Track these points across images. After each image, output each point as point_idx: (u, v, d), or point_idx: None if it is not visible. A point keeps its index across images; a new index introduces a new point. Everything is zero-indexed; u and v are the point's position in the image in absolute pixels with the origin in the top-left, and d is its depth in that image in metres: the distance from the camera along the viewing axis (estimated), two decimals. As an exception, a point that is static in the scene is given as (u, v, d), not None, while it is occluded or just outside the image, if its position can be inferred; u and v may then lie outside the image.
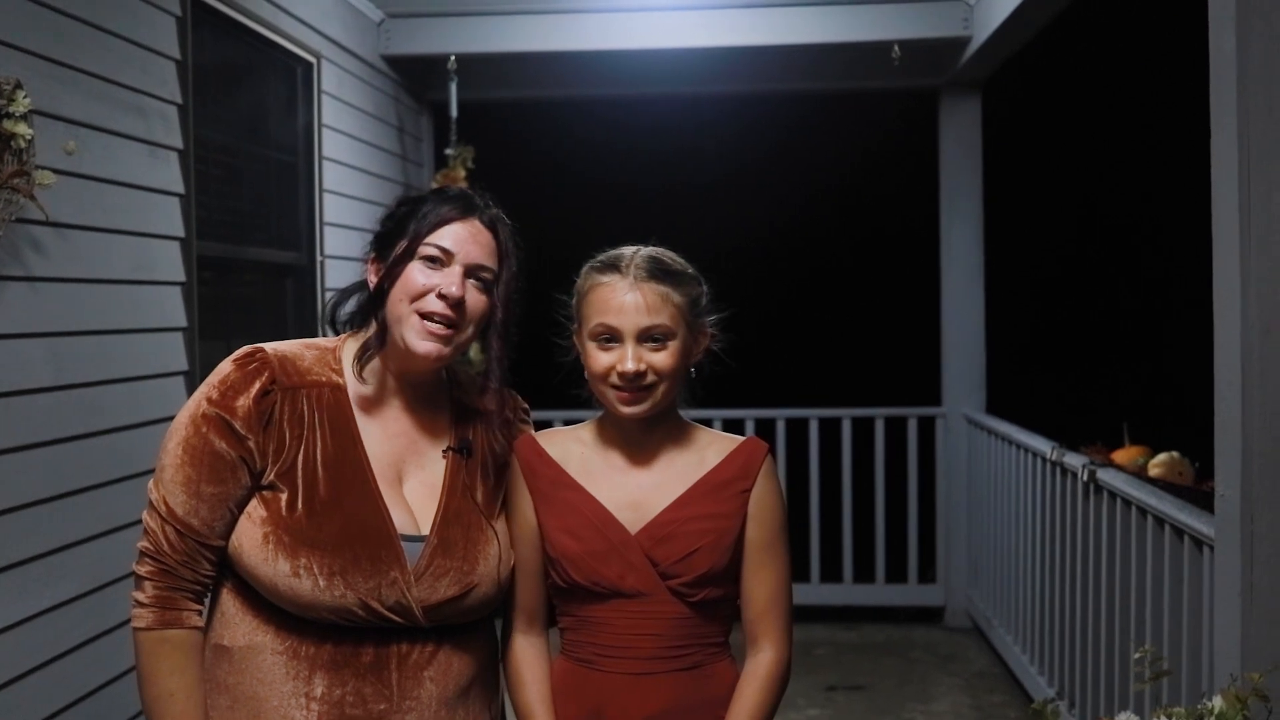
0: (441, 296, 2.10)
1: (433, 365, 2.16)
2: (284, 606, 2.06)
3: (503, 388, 2.23)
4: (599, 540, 2.19)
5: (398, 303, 2.12)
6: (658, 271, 2.21)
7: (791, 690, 2.31)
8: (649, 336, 2.18)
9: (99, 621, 3.40)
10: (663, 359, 2.18)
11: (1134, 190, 9.40)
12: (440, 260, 2.13)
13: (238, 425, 2.07)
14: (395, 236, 2.16)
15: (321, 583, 2.03)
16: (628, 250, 2.25)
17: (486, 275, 2.16)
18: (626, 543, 2.19)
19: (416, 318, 2.11)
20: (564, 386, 2.31)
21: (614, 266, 2.22)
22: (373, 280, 2.18)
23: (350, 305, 2.25)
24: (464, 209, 2.17)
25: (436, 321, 2.11)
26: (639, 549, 2.18)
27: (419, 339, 2.11)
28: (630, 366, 2.16)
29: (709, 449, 2.28)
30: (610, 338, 2.19)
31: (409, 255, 2.13)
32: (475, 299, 2.14)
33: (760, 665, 2.23)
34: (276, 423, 2.09)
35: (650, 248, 2.26)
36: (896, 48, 5.99)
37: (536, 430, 2.35)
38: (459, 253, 2.13)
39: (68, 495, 3.32)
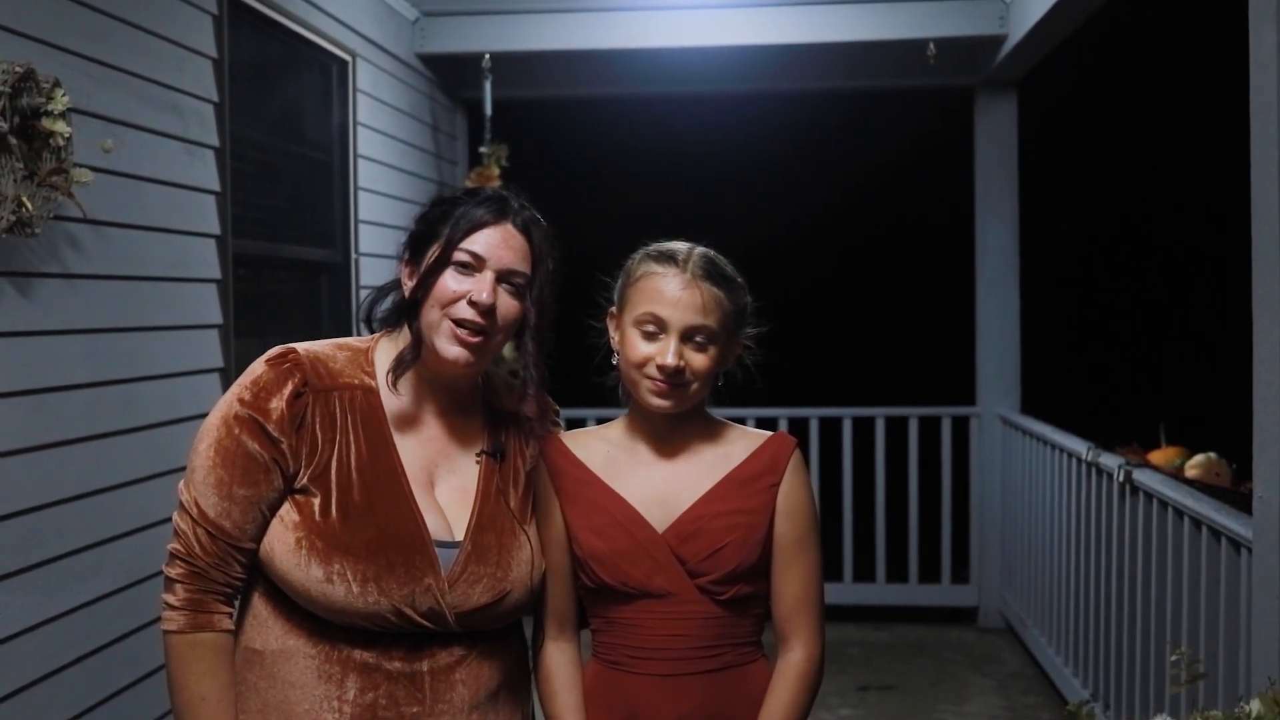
0: (473, 304, 2.09)
1: (463, 371, 2.15)
2: (316, 611, 2.06)
3: (541, 392, 2.22)
4: (625, 539, 2.18)
5: (430, 310, 2.11)
6: (714, 273, 2.20)
7: (823, 689, 2.29)
8: (693, 335, 2.17)
9: (134, 618, 3.42)
10: (701, 360, 2.17)
11: (1171, 189, 9.33)
12: (472, 266, 2.12)
13: (270, 427, 2.06)
14: (428, 240, 2.15)
15: (355, 589, 2.02)
16: (682, 246, 2.24)
17: (519, 280, 2.14)
18: (653, 541, 2.18)
19: (448, 323, 2.10)
20: (594, 374, 2.30)
21: (671, 258, 2.20)
22: (406, 283, 2.17)
23: (386, 304, 2.25)
24: (497, 213, 2.15)
25: (466, 328, 2.10)
26: (666, 547, 2.17)
27: (448, 344, 2.10)
28: (670, 361, 2.15)
29: (736, 444, 2.27)
30: (655, 328, 2.17)
31: (442, 264, 2.12)
32: (507, 304, 2.13)
33: (791, 664, 2.22)
34: (309, 425, 2.08)
35: (704, 248, 2.25)
36: (932, 46, 5.96)
37: (569, 430, 2.35)
38: (490, 258, 2.12)
39: (104, 491, 3.34)
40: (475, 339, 2.11)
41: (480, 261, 2.12)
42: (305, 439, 2.08)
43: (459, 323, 2.10)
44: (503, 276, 2.13)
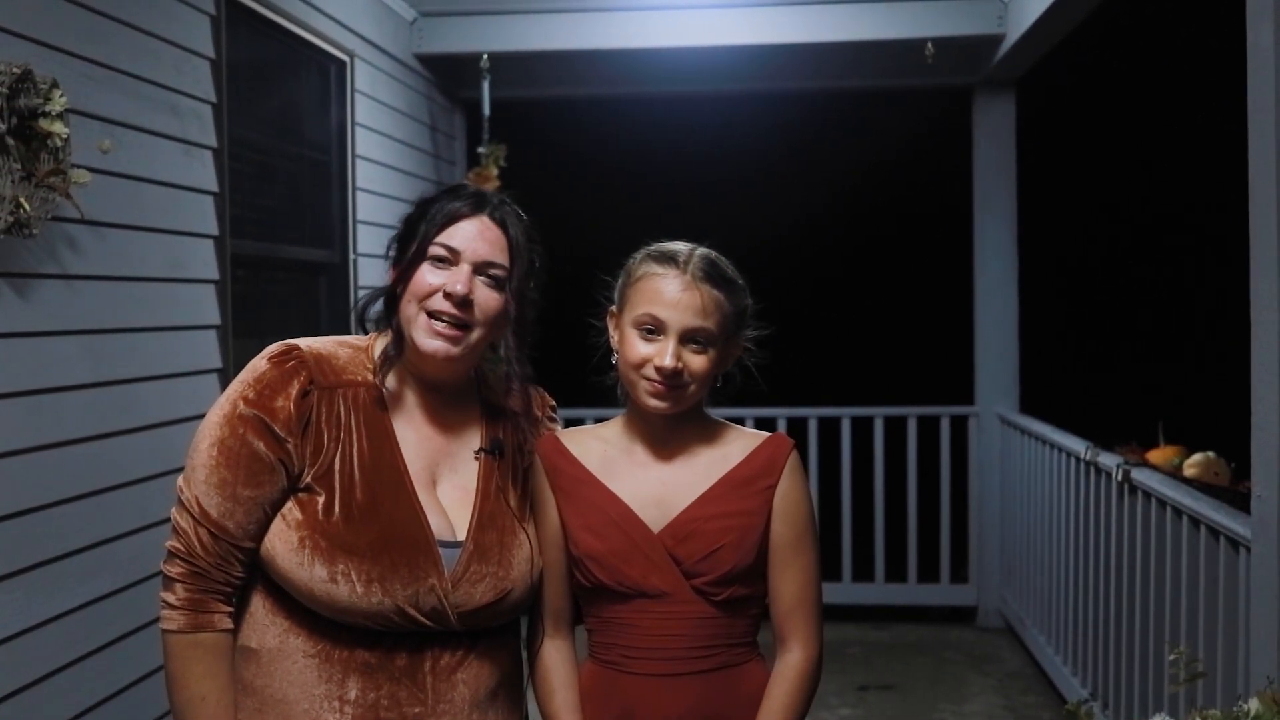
0: (447, 295, 2.09)
1: (444, 366, 2.14)
2: (318, 610, 2.05)
3: (526, 385, 2.21)
4: (621, 539, 2.18)
5: (407, 304, 2.11)
6: (714, 275, 2.19)
7: (823, 690, 2.30)
8: (692, 338, 2.16)
9: (134, 617, 3.42)
10: (700, 363, 2.17)
11: (1169, 188, 9.33)
12: (448, 259, 2.11)
13: (277, 427, 2.04)
14: (408, 239, 2.15)
15: (359, 589, 2.02)
16: (683, 246, 2.23)
17: (497, 272, 2.14)
18: (649, 541, 2.17)
19: (424, 317, 2.09)
20: (593, 373, 2.30)
21: (672, 259, 2.19)
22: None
23: (379, 305, 2.24)
24: (473, 206, 2.15)
25: (444, 321, 2.09)
26: (661, 548, 2.17)
27: (426, 338, 2.10)
28: (669, 363, 2.14)
29: (733, 445, 2.26)
30: (654, 329, 2.17)
31: (419, 257, 2.11)
32: (487, 296, 2.12)
33: (789, 665, 2.22)
34: (314, 424, 2.07)
35: (705, 249, 2.24)
36: (930, 45, 5.96)
37: (566, 428, 2.35)
38: (466, 250, 2.11)
39: (103, 491, 3.34)
40: (453, 332, 2.10)
41: (456, 254, 2.11)
42: (310, 438, 2.07)
43: (435, 315, 2.09)
44: (480, 269, 2.12)
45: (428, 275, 2.11)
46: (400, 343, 2.13)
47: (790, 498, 2.22)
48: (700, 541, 2.17)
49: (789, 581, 2.22)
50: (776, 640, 2.24)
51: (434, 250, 2.11)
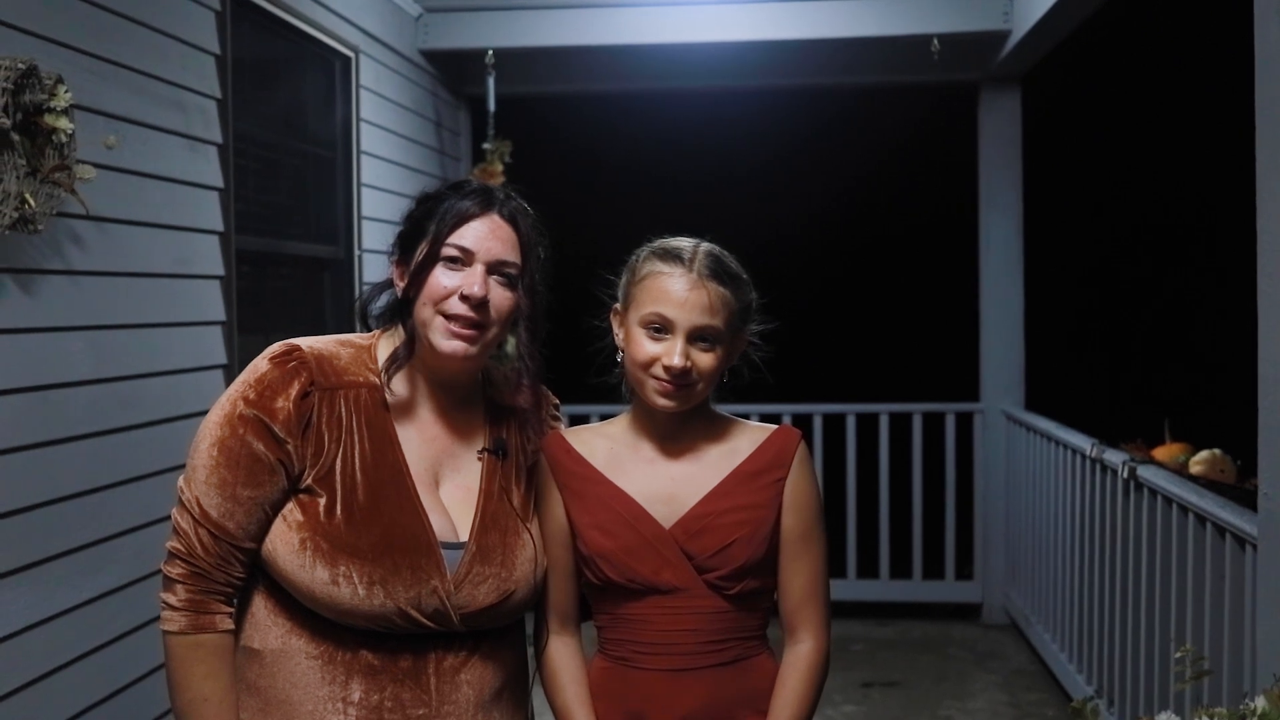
0: (464, 298, 2.07)
1: (461, 365, 2.13)
2: (320, 612, 2.04)
3: (537, 383, 2.21)
4: (632, 536, 2.17)
5: (423, 308, 2.09)
6: (720, 272, 2.18)
7: (827, 686, 2.29)
8: (700, 336, 2.15)
9: (138, 614, 3.42)
10: (708, 360, 2.16)
11: (1175, 184, 9.32)
12: (461, 260, 2.09)
13: (277, 428, 2.03)
14: (416, 237, 2.13)
15: (361, 591, 2.01)
16: (687, 243, 2.22)
17: (510, 270, 2.12)
18: (661, 538, 2.17)
19: (441, 319, 2.08)
20: (597, 373, 2.30)
21: (677, 257, 2.18)
22: (398, 284, 2.15)
23: (381, 301, 2.23)
24: (483, 204, 2.13)
25: (460, 322, 2.08)
26: (673, 544, 2.17)
27: (444, 339, 2.08)
28: (677, 362, 2.13)
29: (741, 439, 2.26)
30: (661, 328, 2.16)
31: (431, 259, 2.10)
32: (500, 296, 2.11)
33: (800, 656, 2.22)
34: (315, 425, 2.06)
35: (709, 244, 2.23)
36: (936, 41, 5.95)
37: (570, 426, 2.34)
38: (479, 250, 2.10)
39: (107, 488, 3.34)
40: (470, 332, 2.08)
41: (469, 255, 2.10)
42: (311, 439, 2.05)
43: (452, 318, 2.08)
44: (493, 268, 2.11)
45: (442, 278, 2.09)
46: (412, 344, 2.12)
47: (800, 490, 2.22)
48: (713, 536, 2.16)
49: (800, 573, 2.22)
50: (786, 632, 2.24)
51: (446, 251, 2.09)
